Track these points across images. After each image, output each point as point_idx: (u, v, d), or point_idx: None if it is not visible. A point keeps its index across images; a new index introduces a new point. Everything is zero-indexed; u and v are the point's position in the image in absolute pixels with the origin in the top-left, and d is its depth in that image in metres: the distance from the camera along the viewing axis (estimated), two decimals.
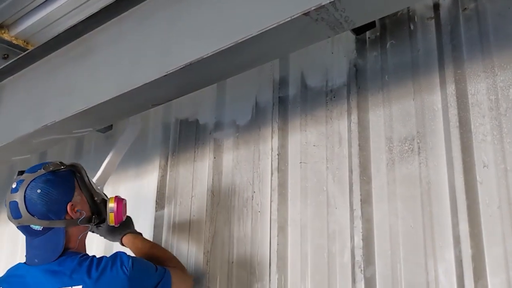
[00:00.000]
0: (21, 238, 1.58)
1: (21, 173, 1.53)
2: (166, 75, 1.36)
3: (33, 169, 1.53)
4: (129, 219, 1.84)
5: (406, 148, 1.53)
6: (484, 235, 1.35)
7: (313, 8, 1.07)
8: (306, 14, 1.08)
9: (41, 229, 1.47)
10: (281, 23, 1.12)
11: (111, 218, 1.63)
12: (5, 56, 2.30)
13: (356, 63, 1.73)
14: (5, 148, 2.04)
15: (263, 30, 1.14)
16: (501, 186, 1.35)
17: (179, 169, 2.18)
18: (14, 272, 1.57)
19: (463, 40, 1.50)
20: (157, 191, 2.23)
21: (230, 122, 2.07)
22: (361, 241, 1.55)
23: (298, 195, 1.76)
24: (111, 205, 1.63)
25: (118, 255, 1.47)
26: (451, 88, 1.49)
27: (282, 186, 1.81)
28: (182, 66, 1.32)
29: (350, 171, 1.64)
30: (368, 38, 1.71)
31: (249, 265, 1.82)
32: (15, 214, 1.48)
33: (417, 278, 1.42)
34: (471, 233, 1.37)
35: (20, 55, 1.98)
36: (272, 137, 1.89)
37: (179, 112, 2.27)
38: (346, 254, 1.58)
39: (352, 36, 1.75)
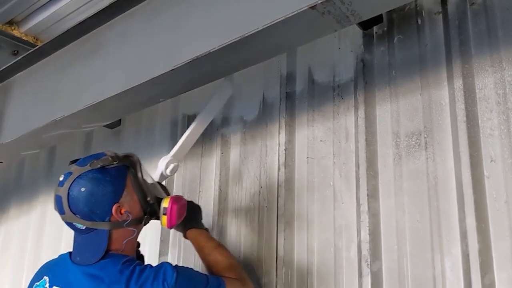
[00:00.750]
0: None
1: (73, 162, 1.40)
2: (173, 69, 1.37)
3: (82, 162, 1.37)
4: (196, 210, 1.69)
5: (413, 143, 1.53)
6: (491, 230, 1.34)
7: (319, 2, 1.07)
8: (313, 7, 1.08)
9: (84, 228, 1.35)
10: (287, 16, 1.12)
11: (163, 221, 1.45)
12: (15, 52, 2.32)
13: (363, 58, 1.73)
14: (15, 143, 2.06)
15: (270, 24, 1.15)
16: (509, 180, 1.34)
17: (186, 165, 2.19)
18: (59, 263, 1.44)
19: (471, 35, 1.50)
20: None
21: (237, 117, 2.07)
22: (368, 235, 1.55)
23: (305, 190, 1.76)
24: (165, 206, 1.45)
25: (162, 267, 1.31)
26: (458, 83, 1.48)
27: (289, 181, 1.82)
28: (189, 61, 1.32)
29: (357, 166, 1.64)
30: (376, 33, 1.71)
31: (256, 260, 1.83)
32: (59, 209, 1.36)
33: (424, 272, 1.42)
34: (478, 227, 1.36)
35: (30, 51, 2.00)
36: (279, 133, 1.89)
37: (186, 108, 2.28)
38: (353, 248, 1.58)
39: (359, 31, 1.74)
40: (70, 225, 1.37)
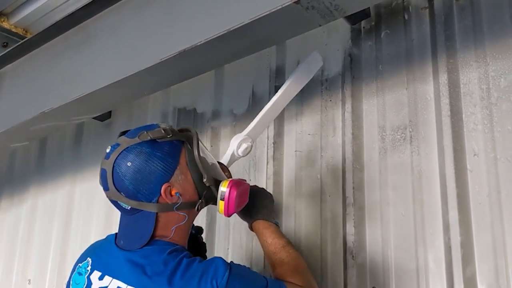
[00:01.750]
0: None
1: (122, 133, 1.23)
2: (161, 61, 1.38)
3: (132, 133, 1.20)
4: (266, 198, 1.44)
5: (399, 137, 1.55)
6: (473, 223, 1.37)
7: None
8: (297, 2, 1.09)
9: (129, 209, 1.18)
10: (272, 11, 1.13)
11: (220, 207, 1.25)
12: (5, 44, 2.32)
13: (351, 52, 1.74)
14: (4, 135, 2.07)
15: (255, 18, 1.16)
16: (491, 174, 1.36)
17: None
18: (105, 246, 1.29)
19: (457, 30, 1.51)
20: None
21: (227, 111, 2.09)
22: (353, 228, 1.58)
23: (293, 183, 1.78)
24: (223, 190, 1.24)
25: (214, 263, 1.12)
26: (443, 78, 1.50)
27: (278, 174, 1.84)
28: (177, 53, 1.33)
29: (344, 159, 1.66)
30: (363, 27, 1.72)
31: (244, 252, 1.85)
32: (103, 185, 1.20)
33: (407, 264, 1.45)
34: (460, 220, 1.39)
35: (19, 43, 2.00)
36: (268, 126, 1.91)
37: (177, 101, 2.29)
38: (339, 241, 1.60)
39: (347, 26, 1.76)
40: (115, 203, 1.21)
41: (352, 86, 1.70)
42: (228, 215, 1.26)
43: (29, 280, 2.74)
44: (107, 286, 1.16)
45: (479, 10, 1.49)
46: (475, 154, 1.40)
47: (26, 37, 2.14)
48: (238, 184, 1.26)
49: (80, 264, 1.27)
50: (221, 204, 1.24)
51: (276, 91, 1.91)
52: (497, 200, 1.34)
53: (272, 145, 1.88)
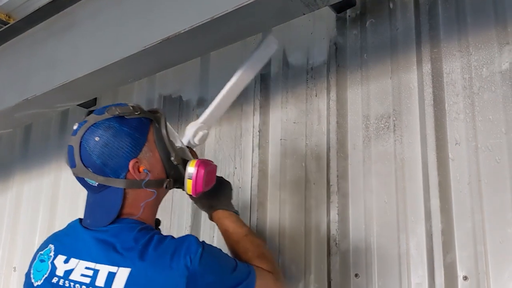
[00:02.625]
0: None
1: (89, 113, 1.21)
2: (145, 49, 1.37)
3: (100, 110, 1.19)
4: (226, 188, 1.46)
5: (382, 125, 1.56)
6: (454, 211, 1.39)
7: None
8: None
9: (96, 185, 1.16)
10: None
11: (188, 186, 1.25)
12: None
13: (336, 41, 1.74)
14: None
15: (239, 6, 1.16)
16: (472, 163, 1.38)
17: None
18: (68, 231, 1.27)
19: (441, 20, 1.52)
20: None
21: (213, 98, 2.06)
22: (337, 215, 1.59)
23: (278, 171, 1.79)
24: (190, 169, 1.24)
25: (187, 240, 1.12)
26: (427, 67, 1.51)
27: (263, 163, 1.84)
28: (160, 41, 1.33)
29: (328, 148, 1.67)
30: (349, 16, 1.72)
31: None
32: (70, 162, 1.18)
33: (390, 251, 1.47)
34: (441, 208, 1.41)
35: (2, 29, 1.97)
36: (254, 114, 1.91)
37: (162, 88, 2.28)
38: (322, 228, 1.62)
39: (333, 14, 1.76)
40: (82, 181, 1.19)
41: (337, 74, 1.71)
42: (196, 194, 1.26)
43: (15, 268, 2.73)
44: (74, 268, 1.13)
45: (463, 1, 1.50)
46: (456, 143, 1.42)
47: (9, 23, 2.10)
48: (205, 163, 1.26)
49: (42, 252, 1.23)
50: (188, 183, 1.24)
51: (261, 80, 1.92)
52: (478, 188, 1.36)
53: (258, 133, 1.88)
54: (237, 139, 1.95)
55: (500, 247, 1.29)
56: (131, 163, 1.14)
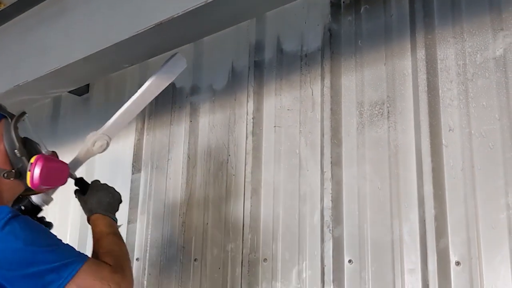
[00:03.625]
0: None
1: None
2: (137, 34, 1.36)
3: None
4: (112, 197, 1.54)
5: (376, 112, 1.56)
6: (447, 197, 1.39)
7: None
8: None
9: None
10: None
11: (27, 178, 1.32)
12: None
13: (330, 27, 1.73)
14: None
15: None
16: (465, 149, 1.39)
17: (155, 133, 2.19)
18: None
19: (435, 6, 1.51)
20: (133, 154, 2.24)
21: (206, 86, 2.07)
22: (331, 202, 1.59)
23: (272, 158, 1.79)
24: (31, 162, 1.32)
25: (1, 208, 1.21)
26: (421, 53, 1.51)
27: (257, 150, 1.84)
28: (152, 26, 1.31)
29: (322, 134, 1.67)
30: (343, 2, 1.71)
31: (223, 226, 1.86)
32: None
33: (383, 237, 1.48)
34: (435, 194, 1.41)
35: None
36: (247, 101, 1.90)
37: None
38: (316, 215, 1.62)
39: (327, 1, 1.74)
40: None
41: (331, 61, 1.70)
42: (34, 187, 1.31)
43: None
44: None
45: None
46: (450, 129, 1.42)
47: None
48: (48, 160, 1.33)
49: None
50: (28, 175, 1.31)
51: (255, 66, 1.91)
52: (471, 175, 1.36)
53: (252, 120, 1.87)
54: (231, 126, 1.94)
55: (493, 233, 1.30)
56: None
